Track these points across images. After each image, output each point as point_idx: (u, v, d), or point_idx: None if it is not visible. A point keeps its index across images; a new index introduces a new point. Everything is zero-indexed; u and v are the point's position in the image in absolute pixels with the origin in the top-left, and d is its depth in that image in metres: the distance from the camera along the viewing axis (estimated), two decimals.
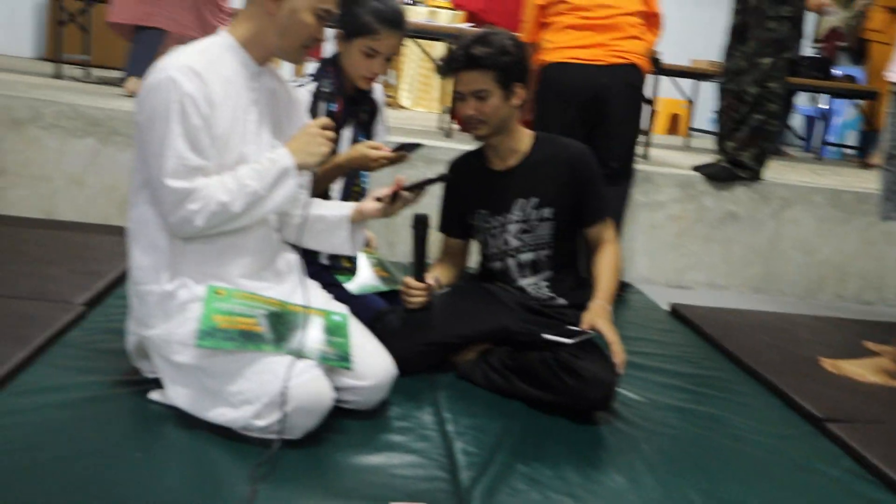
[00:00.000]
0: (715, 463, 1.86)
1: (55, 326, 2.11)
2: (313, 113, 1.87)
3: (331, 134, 1.81)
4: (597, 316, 2.04)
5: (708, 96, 6.37)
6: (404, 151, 2.09)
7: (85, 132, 3.39)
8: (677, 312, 3.18)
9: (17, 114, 3.34)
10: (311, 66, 2.38)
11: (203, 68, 1.70)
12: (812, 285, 3.87)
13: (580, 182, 2.20)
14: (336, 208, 1.98)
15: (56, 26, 4.51)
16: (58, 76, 4.56)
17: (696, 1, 7.18)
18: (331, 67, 2.27)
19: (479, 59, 2.09)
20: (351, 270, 2.39)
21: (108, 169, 3.42)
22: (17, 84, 3.84)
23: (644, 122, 4.61)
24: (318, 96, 1.88)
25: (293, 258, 1.97)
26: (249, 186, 1.72)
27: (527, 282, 2.26)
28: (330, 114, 2.21)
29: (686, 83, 5.69)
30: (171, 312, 1.74)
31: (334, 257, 2.35)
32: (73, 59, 5.27)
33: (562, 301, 2.26)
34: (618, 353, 1.96)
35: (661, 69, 4.29)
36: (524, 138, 2.26)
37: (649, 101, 4.26)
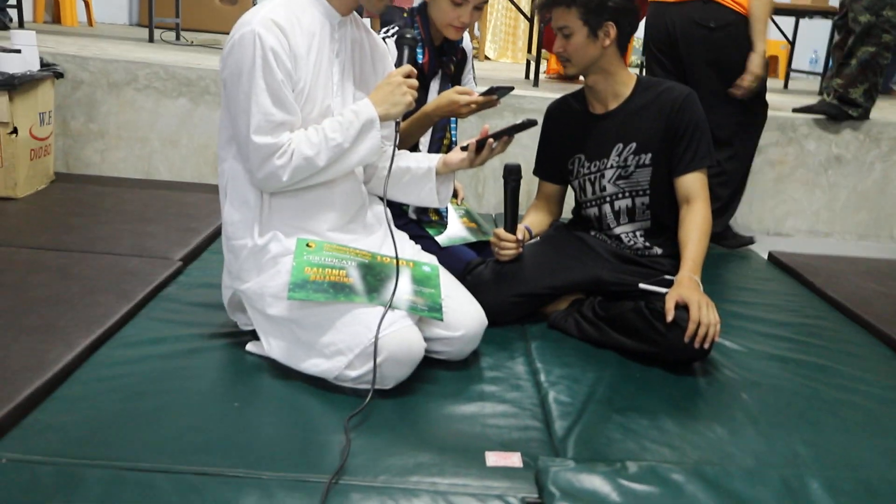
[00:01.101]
0: (821, 414, 1.78)
1: (154, 281, 2.18)
2: (399, 62, 1.84)
3: (414, 82, 1.78)
4: (684, 289, 1.90)
5: (809, 35, 6.04)
6: (494, 95, 2.03)
7: (178, 92, 3.46)
8: (775, 260, 3.05)
9: (115, 77, 3.44)
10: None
11: (286, 21, 1.69)
12: None
13: (676, 127, 2.10)
14: (423, 160, 1.95)
15: None
16: (151, 40, 4.67)
17: None
18: (418, 16, 2.23)
19: None
20: (440, 223, 2.37)
21: (200, 128, 3.50)
22: (114, 49, 3.95)
23: None
24: (400, 43, 1.85)
25: (381, 210, 1.96)
26: (333, 140, 1.71)
27: (622, 229, 2.20)
28: (417, 65, 2.18)
29: (785, 22, 5.40)
30: (264, 266, 1.76)
31: (422, 210, 2.34)
32: (165, 23, 5.39)
33: (657, 250, 2.18)
34: (690, 331, 1.83)
35: None
36: (626, 81, 2.16)
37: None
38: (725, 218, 3.18)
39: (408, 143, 2.18)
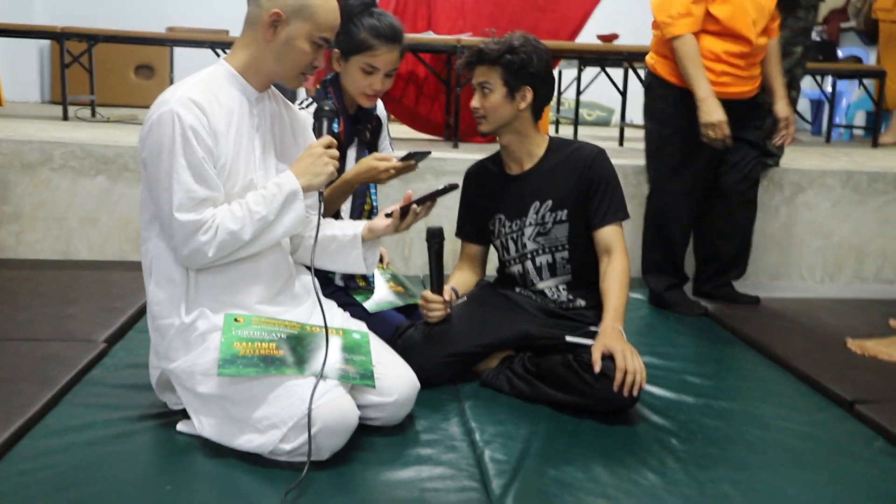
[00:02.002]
0: (746, 454, 1.84)
1: (78, 365, 2.12)
2: (317, 133, 1.88)
3: (334, 152, 1.82)
4: (609, 339, 1.97)
5: None
6: (412, 160, 2.09)
7: (96, 170, 3.42)
8: None
9: (28, 158, 3.38)
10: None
11: (204, 99, 1.71)
12: (830, 269, 3.83)
13: (589, 183, 2.20)
14: (347, 227, 1.98)
15: (61, 69, 4.56)
16: (65, 118, 4.61)
17: None
18: (332, 87, 2.28)
19: (485, 54, 2.14)
20: (367, 289, 2.39)
21: (120, 205, 3.45)
22: (27, 128, 3.89)
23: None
24: (318, 115, 1.89)
25: (308, 280, 1.97)
26: (258, 213, 1.73)
27: (545, 284, 2.26)
28: (333, 134, 2.22)
29: None
30: (192, 344, 1.75)
31: (349, 277, 2.35)
32: (79, 99, 5.33)
33: (581, 302, 2.25)
34: (618, 380, 1.89)
35: None
36: (540, 143, 2.26)
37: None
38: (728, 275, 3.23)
39: (330, 210, 2.21)
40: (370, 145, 2.40)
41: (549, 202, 2.21)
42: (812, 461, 1.83)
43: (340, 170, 2.20)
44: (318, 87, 2.35)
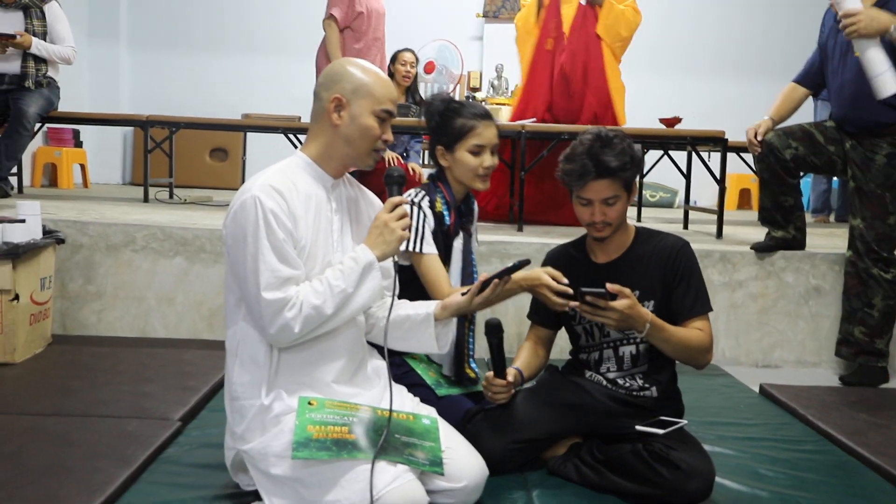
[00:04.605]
0: None
1: (155, 444, 2.18)
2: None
3: (401, 212, 1.88)
4: (636, 305, 2.00)
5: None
6: (581, 296, 2.04)
7: (175, 252, 3.57)
8: (767, 393, 3.08)
9: (113, 239, 3.55)
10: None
11: (283, 186, 1.81)
12: None
13: (672, 275, 2.18)
14: (420, 307, 2.01)
15: (144, 154, 4.79)
16: (146, 200, 4.83)
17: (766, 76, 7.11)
18: (439, 182, 2.39)
19: (613, 171, 2.09)
20: (473, 381, 2.41)
21: (196, 285, 3.58)
22: (111, 211, 4.09)
23: (713, 200, 4.59)
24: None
25: (381, 364, 2.01)
26: (338, 286, 1.80)
27: (621, 373, 2.24)
28: (444, 226, 2.34)
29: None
30: (267, 425, 1.79)
31: (459, 370, 2.36)
32: (158, 182, 5.59)
33: (653, 391, 2.22)
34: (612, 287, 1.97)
35: (727, 146, 4.29)
36: (629, 231, 2.27)
37: (718, 180, 4.26)
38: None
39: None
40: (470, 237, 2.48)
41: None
42: None
43: (447, 258, 2.33)
44: (426, 181, 2.44)
